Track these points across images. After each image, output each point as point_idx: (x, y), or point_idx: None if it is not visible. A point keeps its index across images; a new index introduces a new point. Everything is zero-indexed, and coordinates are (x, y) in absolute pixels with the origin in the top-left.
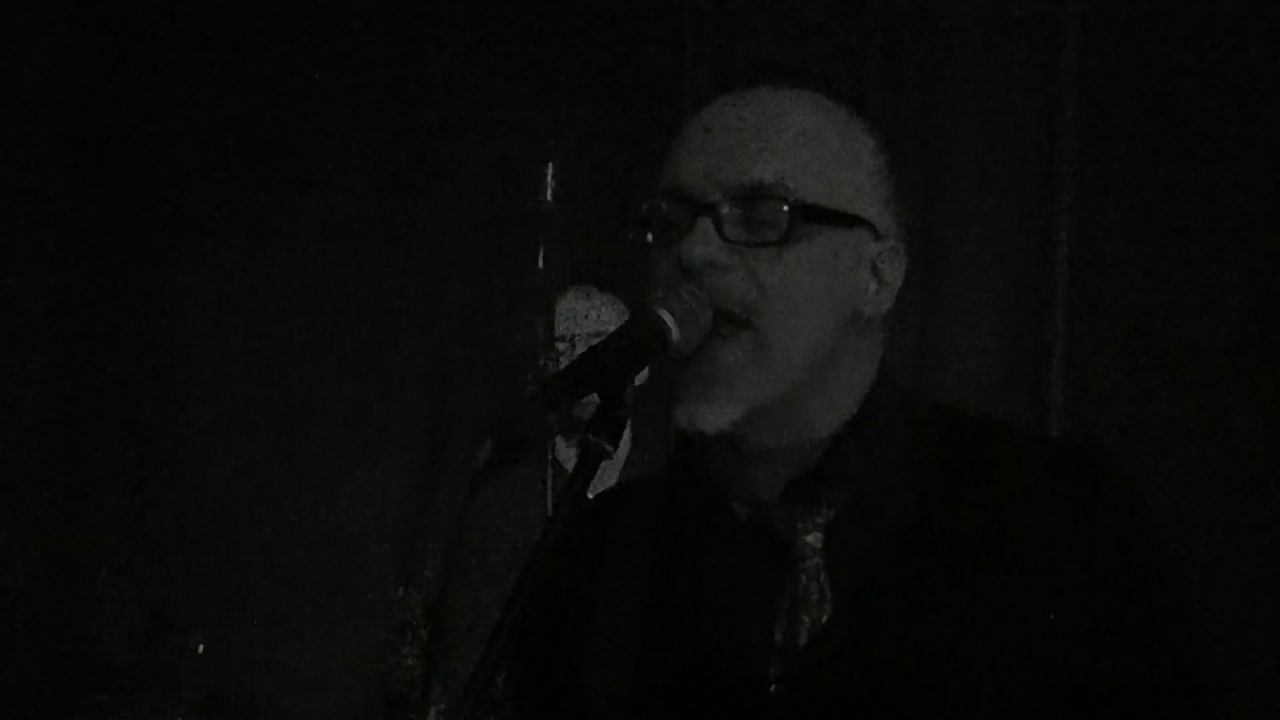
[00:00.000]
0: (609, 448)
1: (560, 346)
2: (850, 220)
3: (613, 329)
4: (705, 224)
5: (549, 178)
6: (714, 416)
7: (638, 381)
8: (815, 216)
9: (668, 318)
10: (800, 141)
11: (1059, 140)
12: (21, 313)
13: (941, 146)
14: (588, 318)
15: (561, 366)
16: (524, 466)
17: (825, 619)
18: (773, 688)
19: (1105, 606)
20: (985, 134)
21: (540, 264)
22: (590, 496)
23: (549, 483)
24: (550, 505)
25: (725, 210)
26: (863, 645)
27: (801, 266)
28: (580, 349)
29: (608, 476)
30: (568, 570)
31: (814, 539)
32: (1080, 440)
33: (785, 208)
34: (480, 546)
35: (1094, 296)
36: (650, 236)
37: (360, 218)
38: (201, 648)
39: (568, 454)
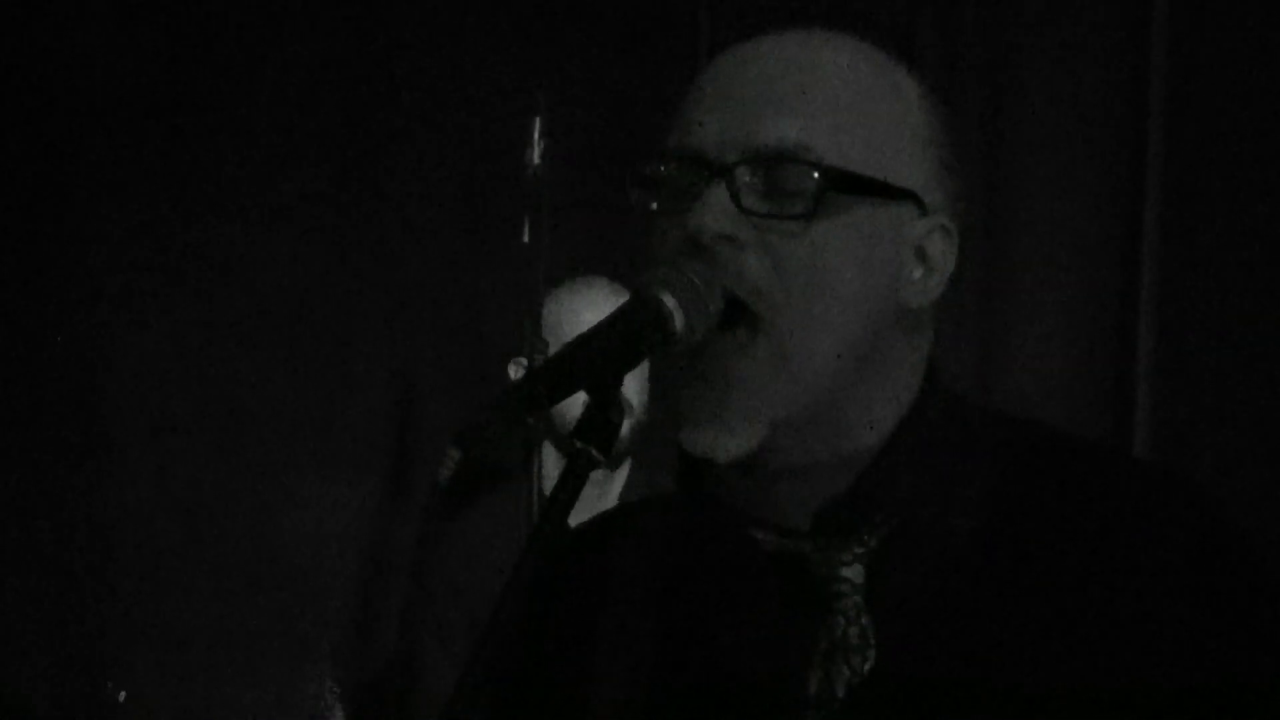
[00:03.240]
0: (599, 456)
1: (550, 341)
2: (892, 192)
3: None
4: (719, 192)
5: (535, 138)
6: (728, 441)
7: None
8: (849, 186)
9: (670, 301)
10: (833, 97)
11: (1148, 108)
12: None
13: (1009, 109)
14: (588, 315)
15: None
16: (500, 482)
17: (868, 667)
18: None
19: (1200, 648)
20: (1062, 95)
21: (525, 239)
22: (584, 520)
23: (535, 502)
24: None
25: (743, 176)
26: (912, 699)
27: (831, 246)
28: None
29: (605, 496)
30: (556, 609)
31: (853, 573)
32: (1167, 458)
33: (814, 174)
34: (449, 582)
35: (1186, 292)
36: (655, 205)
37: (310, 187)
38: (123, 695)
39: (557, 466)
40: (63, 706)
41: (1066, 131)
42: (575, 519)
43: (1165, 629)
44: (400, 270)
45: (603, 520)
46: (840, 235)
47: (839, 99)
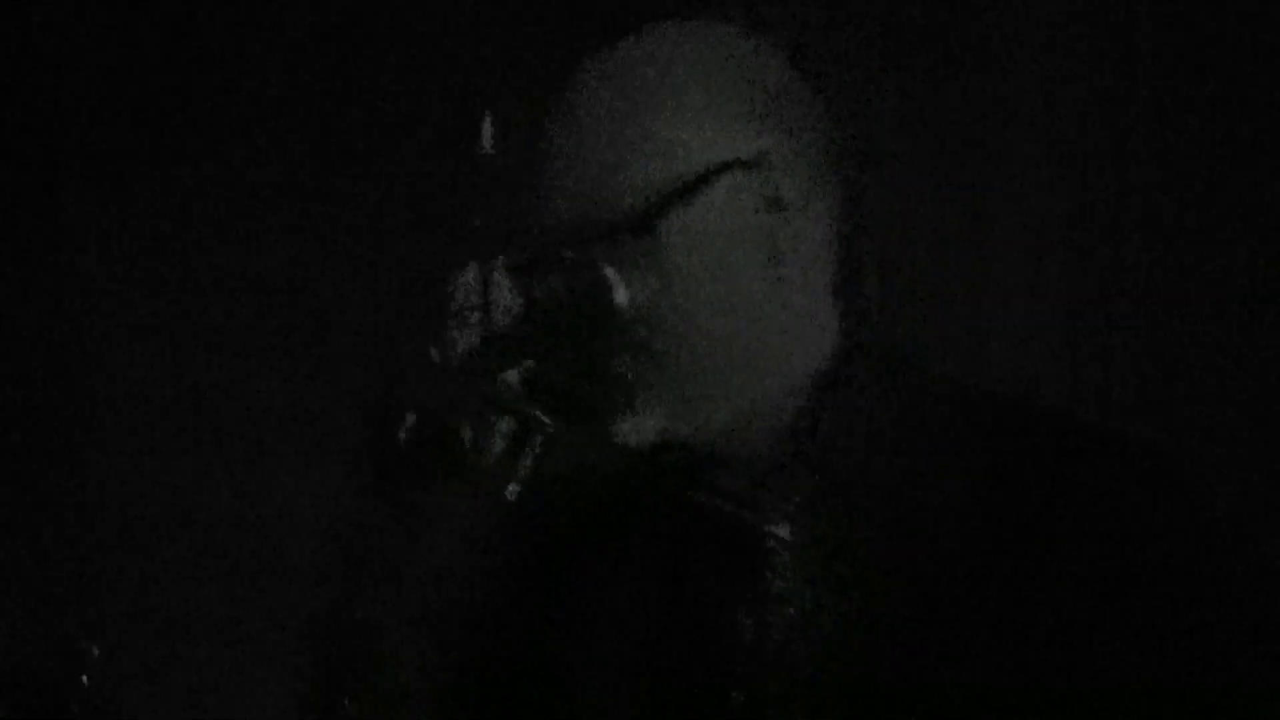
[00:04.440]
0: (546, 420)
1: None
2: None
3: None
4: None
5: (487, 123)
6: (690, 421)
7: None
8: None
9: (611, 274)
10: None
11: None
12: None
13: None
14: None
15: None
16: (455, 447)
17: (799, 619)
18: (734, 695)
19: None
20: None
21: (477, 225)
22: (528, 483)
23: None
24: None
25: None
26: (842, 650)
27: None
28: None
29: (547, 461)
30: (505, 567)
31: (784, 530)
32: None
33: None
34: (405, 551)
35: (1173, 273)
36: None
37: (287, 177)
38: (95, 650)
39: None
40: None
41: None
42: None
43: (1116, 593)
44: (375, 257)
45: (547, 483)
46: None
47: None
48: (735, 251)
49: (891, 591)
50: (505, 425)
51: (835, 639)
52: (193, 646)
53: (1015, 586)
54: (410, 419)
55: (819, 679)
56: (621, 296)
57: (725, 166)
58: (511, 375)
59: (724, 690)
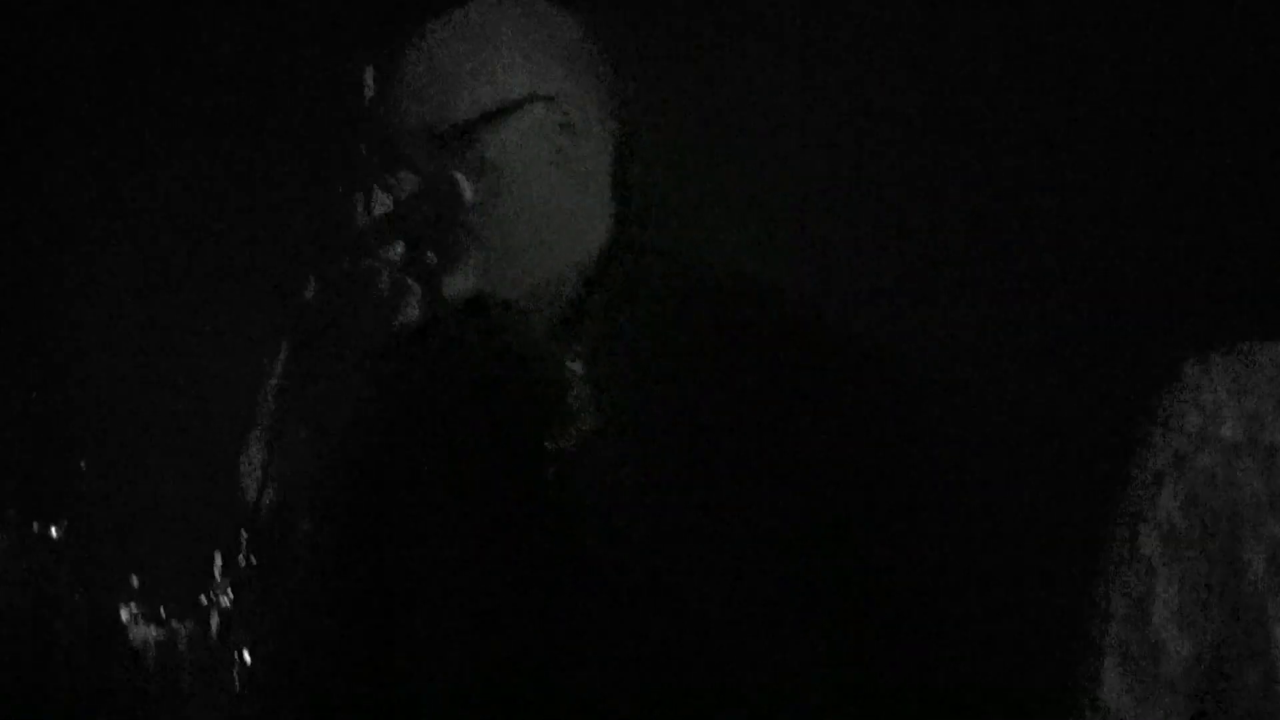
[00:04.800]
0: (416, 285)
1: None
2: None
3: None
4: None
5: (369, 74)
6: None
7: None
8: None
9: (460, 177)
10: None
11: None
12: None
13: None
14: None
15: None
16: (353, 317)
17: (586, 428)
18: (551, 478)
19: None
20: None
21: (364, 152)
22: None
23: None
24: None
25: None
26: (616, 449)
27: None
28: None
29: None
30: (387, 394)
31: (578, 365)
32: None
33: None
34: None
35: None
36: None
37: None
38: (84, 464)
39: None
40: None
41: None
42: None
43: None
44: (296, 175)
45: (415, 333)
46: None
47: None
48: (538, 162)
49: (651, 408)
50: (383, 284)
51: (611, 439)
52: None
53: (745, 444)
54: (313, 284)
55: (606, 474)
56: (468, 193)
57: (532, 99)
58: (391, 252)
59: (539, 483)
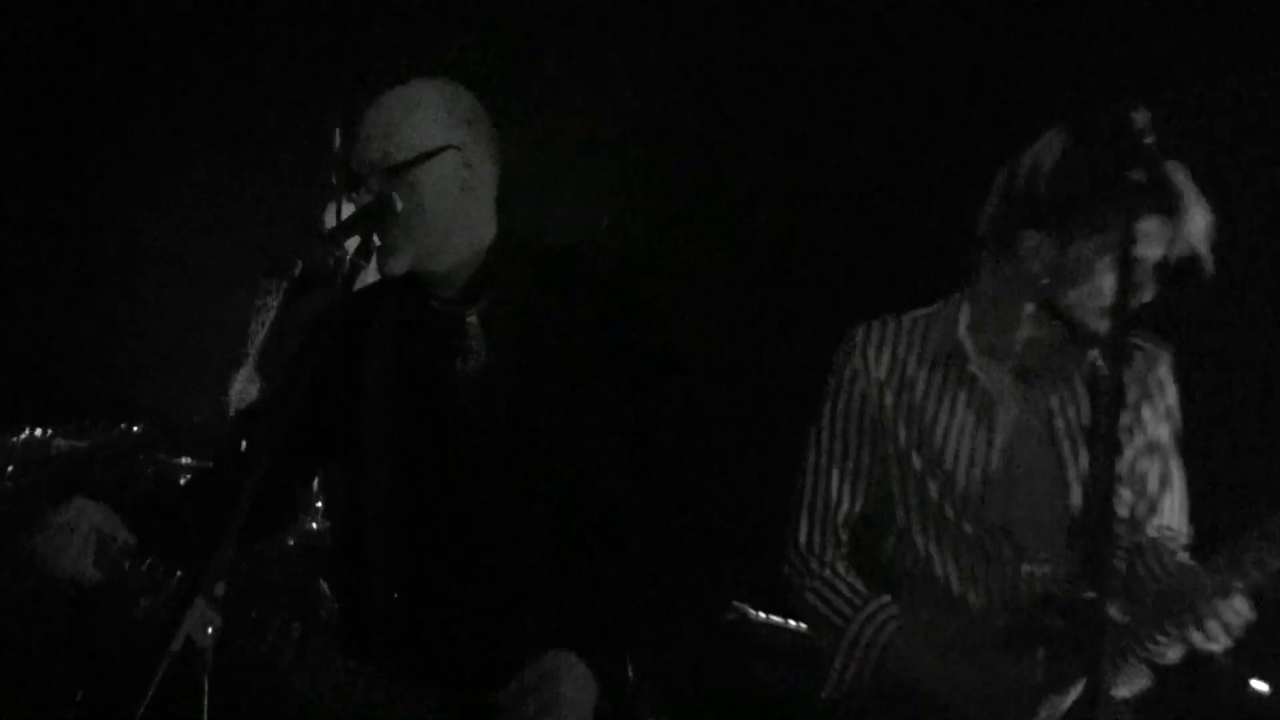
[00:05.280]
0: (363, 263)
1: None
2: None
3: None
4: None
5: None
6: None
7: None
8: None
9: (394, 196)
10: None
11: None
12: None
13: None
14: None
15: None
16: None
17: (479, 361)
18: (456, 398)
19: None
20: None
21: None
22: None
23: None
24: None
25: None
26: (493, 374)
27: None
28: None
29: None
30: (333, 339)
31: (474, 318)
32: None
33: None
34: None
35: None
36: None
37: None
38: None
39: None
40: None
41: None
42: None
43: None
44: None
45: (362, 292)
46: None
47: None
48: (448, 186)
49: (520, 347)
50: (346, 263)
51: (495, 365)
52: None
53: (574, 365)
54: (299, 264)
55: (493, 390)
56: (399, 206)
57: (446, 147)
58: (351, 242)
59: (454, 394)
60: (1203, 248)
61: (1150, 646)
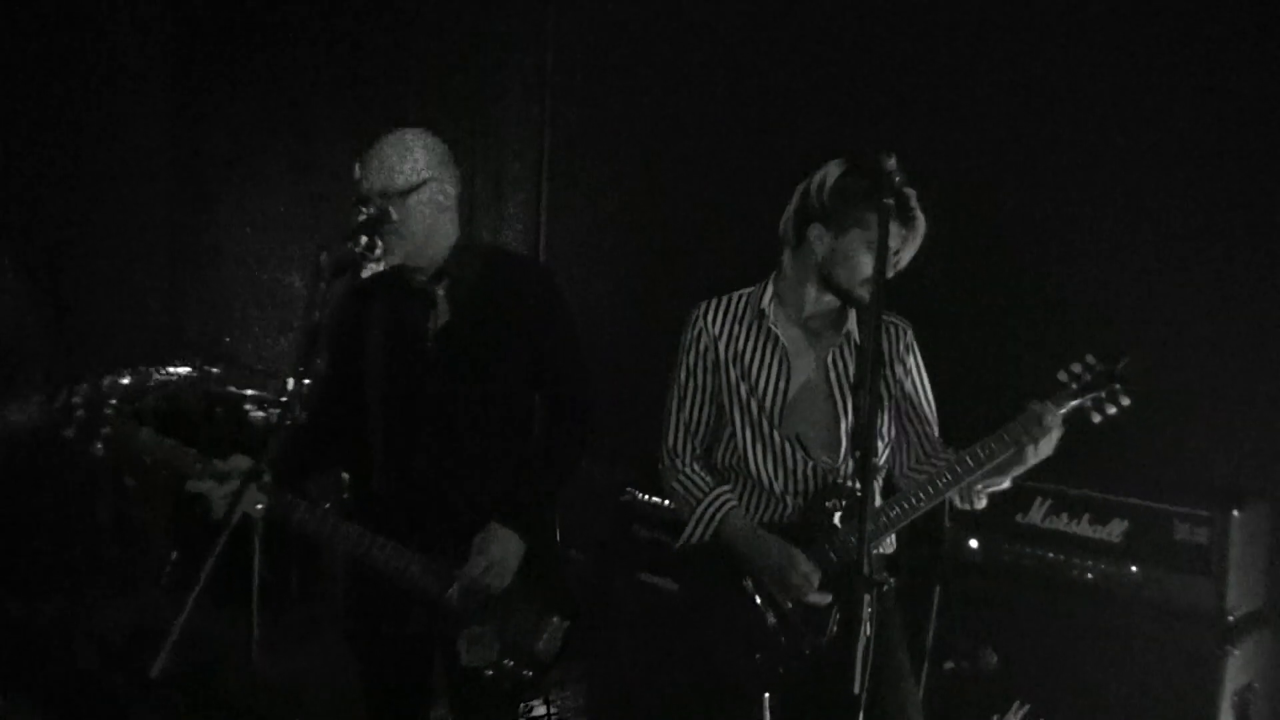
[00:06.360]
0: (370, 255)
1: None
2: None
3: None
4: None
5: (356, 170)
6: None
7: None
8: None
9: (391, 210)
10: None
11: None
12: None
13: None
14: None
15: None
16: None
17: (445, 320)
18: (429, 344)
19: (529, 340)
20: None
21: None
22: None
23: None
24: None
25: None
26: (455, 328)
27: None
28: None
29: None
30: (358, 301)
31: (442, 291)
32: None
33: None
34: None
35: None
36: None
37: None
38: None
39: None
40: None
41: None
42: None
43: (518, 328)
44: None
45: (371, 278)
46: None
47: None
48: (429, 207)
49: (473, 312)
50: (360, 245)
51: (455, 326)
52: None
53: (506, 324)
54: (324, 257)
55: (452, 339)
56: (394, 218)
57: (429, 179)
58: (359, 244)
59: (427, 345)
60: (914, 245)
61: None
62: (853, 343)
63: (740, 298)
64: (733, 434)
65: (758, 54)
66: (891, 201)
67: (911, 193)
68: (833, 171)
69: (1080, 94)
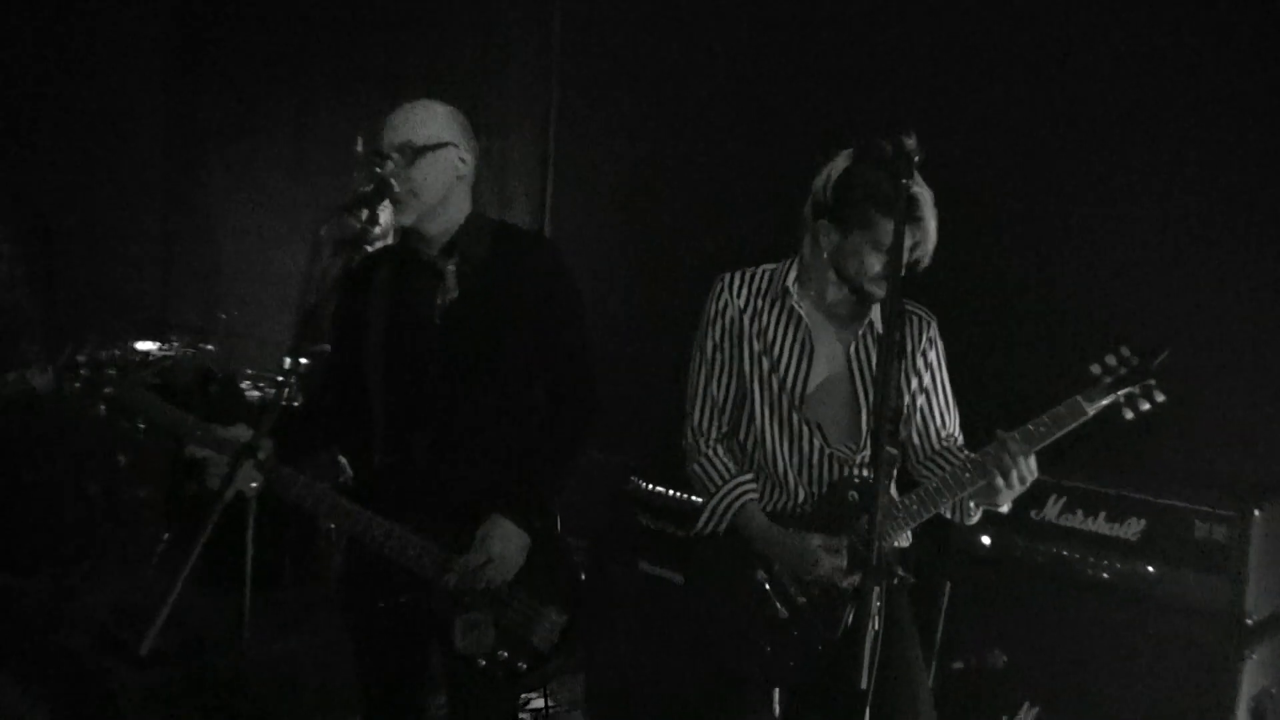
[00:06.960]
0: (371, 228)
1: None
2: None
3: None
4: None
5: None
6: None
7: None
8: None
9: (393, 182)
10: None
11: None
12: None
13: None
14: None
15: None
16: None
17: (453, 297)
18: (436, 322)
19: (535, 313)
20: None
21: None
22: (370, 252)
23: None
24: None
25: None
26: (462, 306)
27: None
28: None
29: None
30: (360, 278)
31: (451, 267)
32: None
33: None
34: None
35: None
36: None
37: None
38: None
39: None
40: None
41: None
42: None
43: (525, 301)
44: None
45: (378, 251)
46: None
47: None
48: (446, 170)
49: (481, 286)
50: (361, 219)
51: (463, 299)
52: None
53: (509, 300)
54: (323, 231)
55: (458, 316)
56: (396, 188)
57: (450, 143)
58: (361, 213)
59: (433, 321)
60: (929, 244)
61: (970, 507)
62: (875, 332)
63: (764, 272)
64: (751, 414)
65: (765, 38)
66: (909, 181)
67: (920, 192)
68: (839, 165)
69: (1098, 85)
